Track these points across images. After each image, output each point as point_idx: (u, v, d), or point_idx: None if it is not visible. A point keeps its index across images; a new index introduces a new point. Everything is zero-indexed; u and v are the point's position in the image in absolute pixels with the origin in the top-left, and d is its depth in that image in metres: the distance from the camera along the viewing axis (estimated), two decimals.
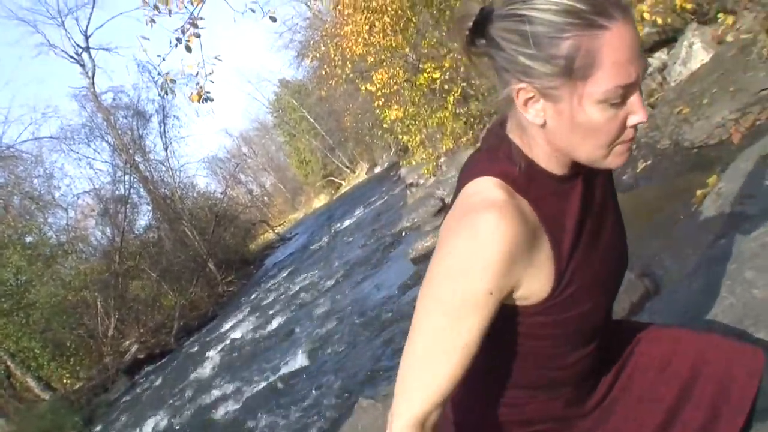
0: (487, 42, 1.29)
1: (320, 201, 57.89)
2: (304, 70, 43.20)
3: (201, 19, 6.00)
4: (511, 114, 1.38)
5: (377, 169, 45.60)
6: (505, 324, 1.39)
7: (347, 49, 13.73)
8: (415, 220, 12.89)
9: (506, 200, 1.28)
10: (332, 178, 58.87)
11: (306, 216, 55.22)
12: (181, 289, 27.51)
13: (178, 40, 6.25)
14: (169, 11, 5.87)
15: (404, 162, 19.96)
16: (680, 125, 5.90)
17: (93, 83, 32.00)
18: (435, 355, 1.28)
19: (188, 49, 6.41)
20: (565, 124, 1.26)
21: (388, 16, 11.52)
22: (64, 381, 21.22)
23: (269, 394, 8.85)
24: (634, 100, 1.23)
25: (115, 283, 25.94)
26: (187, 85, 6.90)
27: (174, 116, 33.42)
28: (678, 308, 2.83)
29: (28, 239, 23.54)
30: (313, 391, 7.91)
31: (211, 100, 7.17)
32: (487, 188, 1.31)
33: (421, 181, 17.34)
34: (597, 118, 1.23)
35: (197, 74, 6.97)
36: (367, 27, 12.08)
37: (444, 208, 12.22)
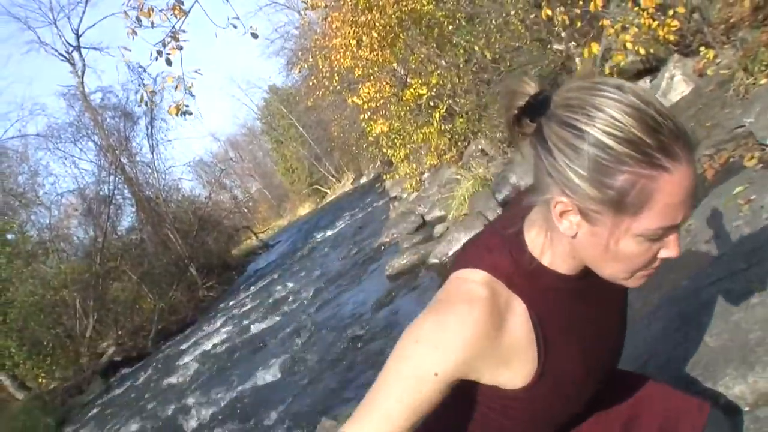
0: (536, 134, 1.24)
1: (305, 209, 57.85)
2: (294, 78, 43.26)
3: (183, 32, 6.02)
4: (540, 206, 1.33)
5: (363, 180, 45.63)
6: (479, 398, 1.41)
7: (335, 62, 13.76)
8: (395, 235, 12.93)
9: (485, 298, 1.27)
10: (318, 187, 58.87)
11: (290, 223, 55.12)
12: (161, 292, 27.42)
13: (159, 53, 6.26)
14: (152, 23, 5.89)
15: (388, 176, 20.00)
16: None
17: (82, 82, 31.94)
18: (385, 410, 1.25)
19: (168, 62, 6.42)
20: (597, 246, 1.24)
21: (375, 32, 11.55)
22: (39, 380, 21.10)
23: (236, 407, 8.86)
24: (672, 238, 1.21)
25: (95, 284, 25.83)
26: (175, 88, 6.87)
27: (161, 119, 33.23)
28: (634, 350, 2.85)
29: (9, 236, 23.42)
30: (280, 407, 7.93)
31: (190, 113, 7.18)
32: (472, 282, 1.31)
33: (404, 195, 17.39)
34: (632, 250, 1.21)
35: (176, 88, 7.00)
36: (355, 41, 12.11)
37: (423, 225, 12.29)
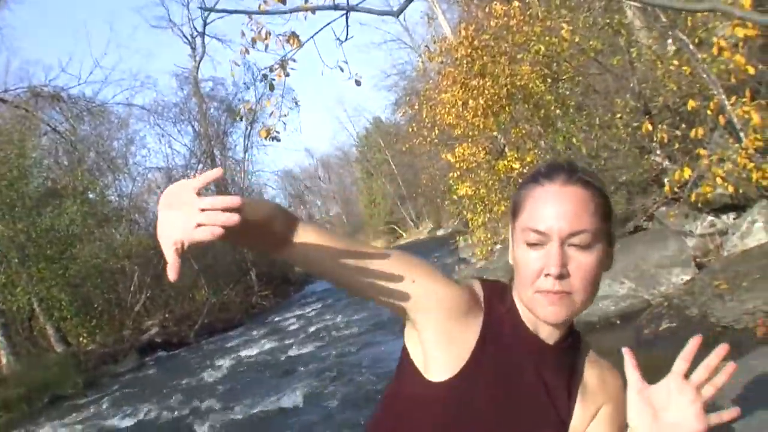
0: None
1: (378, 245, 57.83)
2: (398, 118, 43.63)
3: (293, 60, 6.21)
4: None
5: (440, 232, 45.63)
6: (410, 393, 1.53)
7: (439, 115, 13.90)
8: None
9: (471, 287, 1.53)
10: (395, 227, 59.02)
11: None
12: (216, 288, 27.73)
13: (265, 76, 6.47)
14: (266, 46, 6.10)
15: (462, 238, 19.98)
16: (713, 299, 5.90)
17: (197, 68, 32.81)
18: None
19: (271, 87, 6.62)
20: (514, 263, 1.48)
21: (483, 98, 11.64)
22: (80, 339, 21.53)
23: (251, 423, 8.92)
24: (549, 250, 1.38)
25: (157, 262, 26.16)
26: (270, 115, 7.07)
27: (262, 123, 33.79)
28: None
29: (91, 195, 23.97)
30: None
31: (278, 140, 7.39)
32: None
33: (473, 261, 17.35)
34: (520, 256, 1.44)
35: (270, 114, 7.22)
36: (461, 103, 12.23)
37: None
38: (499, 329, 1.50)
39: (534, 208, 1.42)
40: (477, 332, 1.47)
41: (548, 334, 1.50)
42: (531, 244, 1.41)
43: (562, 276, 1.37)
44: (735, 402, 3.50)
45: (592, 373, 1.58)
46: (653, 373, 4.22)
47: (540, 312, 1.43)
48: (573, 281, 1.39)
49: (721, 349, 1.32)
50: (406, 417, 1.53)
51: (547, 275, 1.38)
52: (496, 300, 1.52)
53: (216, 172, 1.18)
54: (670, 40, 7.58)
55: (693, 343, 1.36)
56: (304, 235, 1.43)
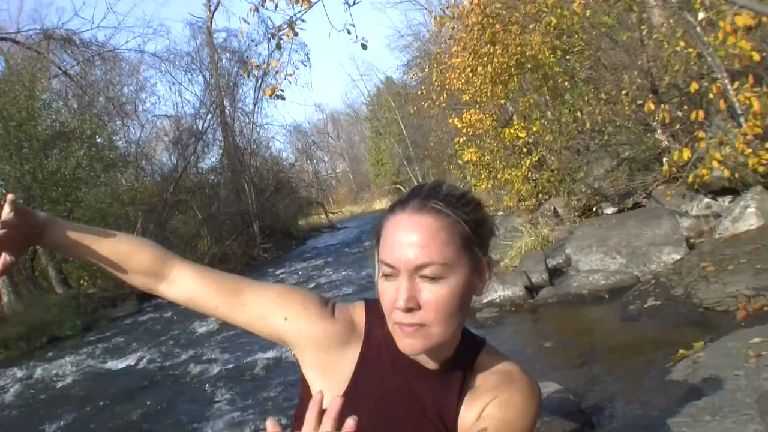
0: None
1: (381, 204, 57.91)
2: (408, 78, 43.45)
3: (303, 21, 6.25)
4: None
5: None
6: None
7: (448, 80, 13.90)
8: None
9: (358, 310, 1.61)
10: (400, 187, 58.81)
11: (363, 213, 55.39)
12: (219, 238, 27.91)
13: (272, 35, 6.54)
14: (276, 6, 6.15)
15: None
16: (699, 281, 6.00)
17: (212, 18, 32.68)
18: None
19: (278, 46, 6.70)
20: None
21: (491, 66, 11.65)
22: (81, 282, 21.71)
23: (242, 374, 8.95)
24: (398, 284, 1.37)
25: (161, 210, 26.42)
26: (276, 74, 7.12)
27: (273, 76, 33.73)
28: None
29: (98, 139, 24.02)
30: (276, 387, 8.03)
31: (283, 98, 7.46)
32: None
33: None
34: (379, 286, 1.44)
35: (277, 72, 7.29)
36: (470, 70, 12.24)
37: None
38: (378, 356, 1.53)
39: (385, 239, 1.41)
40: (354, 361, 1.53)
41: (427, 360, 1.51)
42: (386, 275, 1.40)
43: (411, 309, 1.36)
44: (712, 380, 3.65)
45: (482, 377, 1.54)
46: (635, 346, 4.37)
47: (398, 343, 1.43)
48: (425, 314, 1.37)
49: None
50: None
51: (396, 308, 1.37)
52: (377, 324, 1.54)
53: None
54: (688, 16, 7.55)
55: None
56: (181, 275, 1.61)
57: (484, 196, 15.66)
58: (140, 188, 26.77)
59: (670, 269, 6.97)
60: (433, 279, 1.35)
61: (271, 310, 1.55)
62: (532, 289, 8.35)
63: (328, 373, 1.53)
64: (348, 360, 1.52)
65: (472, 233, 1.40)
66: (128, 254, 1.63)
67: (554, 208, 11.85)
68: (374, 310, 1.56)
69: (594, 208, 10.88)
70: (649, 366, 4.65)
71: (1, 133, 19.27)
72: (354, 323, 1.57)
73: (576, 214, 11.03)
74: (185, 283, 1.63)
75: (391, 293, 1.39)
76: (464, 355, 1.53)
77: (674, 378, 4.03)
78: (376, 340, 1.54)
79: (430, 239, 1.34)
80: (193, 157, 30.19)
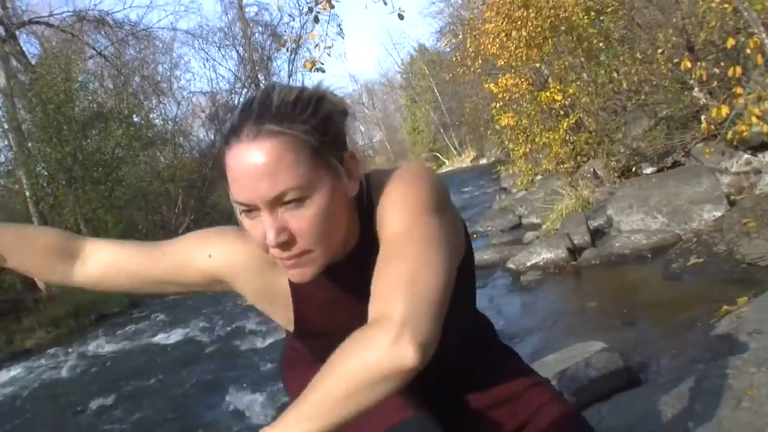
0: None
1: None
2: (443, 45, 43.26)
3: None
4: None
5: (482, 161, 45.53)
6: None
7: (483, 45, 13.88)
8: (489, 228, 13.02)
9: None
10: (437, 155, 58.90)
11: None
12: None
13: (310, 9, 6.59)
14: None
15: (504, 167, 20.00)
16: (740, 237, 6.01)
17: None
18: None
19: (316, 19, 6.74)
20: None
21: (525, 30, 11.63)
22: None
23: (275, 351, 9.05)
24: (262, 220, 1.24)
25: (201, 186, 26.63)
26: (315, 46, 7.16)
27: (307, 48, 33.69)
28: (644, 409, 3.09)
29: (135, 119, 24.27)
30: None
31: (323, 71, 7.49)
32: None
33: (513, 191, 17.46)
34: (245, 224, 1.29)
35: (316, 46, 7.33)
36: (504, 34, 12.22)
37: (518, 226, 12.41)
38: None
39: (230, 176, 1.25)
40: (287, 278, 1.44)
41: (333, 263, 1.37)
42: (245, 212, 1.27)
43: (284, 242, 1.25)
44: (756, 333, 3.69)
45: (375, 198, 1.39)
46: (679, 304, 4.42)
47: (287, 276, 1.36)
48: (301, 242, 1.26)
49: None
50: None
51: (269, 243, 1.25)
52: None
53: None
54: None
55: None
56: (95, 248, 1.55)
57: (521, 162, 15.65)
58: (179, 165, 27.00)
59: (711, 226, 6.96)
60: (296, 204, 1.23)
61: (194, 253, 1.48)
62: (574, 251, 8.36)
63: (271, 296, 1.50)
64: (283, 277, 1.44)
65: (320, 141, 1.25)
66: (33, 236, 1.58)
67: (593, 169, 11.83)
68: None
69: (633, 169, 10.84)
70: (693, 323, 4.68)
71: (40, 116, 19.59)
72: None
73: (615, 175, 11.01)
74: (101, 253, 1.55)
75: (257, 230, 1.26)
76: (364, 221, 1.39)
77: (718, 333, 4.06)
78: None
79: (276, 166, 1.20)
80: None
